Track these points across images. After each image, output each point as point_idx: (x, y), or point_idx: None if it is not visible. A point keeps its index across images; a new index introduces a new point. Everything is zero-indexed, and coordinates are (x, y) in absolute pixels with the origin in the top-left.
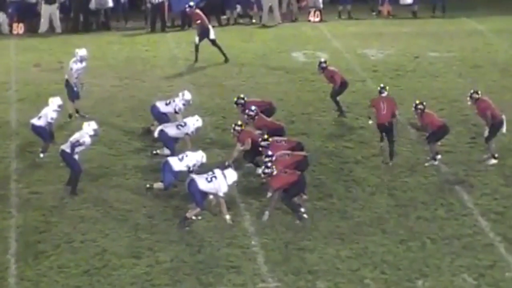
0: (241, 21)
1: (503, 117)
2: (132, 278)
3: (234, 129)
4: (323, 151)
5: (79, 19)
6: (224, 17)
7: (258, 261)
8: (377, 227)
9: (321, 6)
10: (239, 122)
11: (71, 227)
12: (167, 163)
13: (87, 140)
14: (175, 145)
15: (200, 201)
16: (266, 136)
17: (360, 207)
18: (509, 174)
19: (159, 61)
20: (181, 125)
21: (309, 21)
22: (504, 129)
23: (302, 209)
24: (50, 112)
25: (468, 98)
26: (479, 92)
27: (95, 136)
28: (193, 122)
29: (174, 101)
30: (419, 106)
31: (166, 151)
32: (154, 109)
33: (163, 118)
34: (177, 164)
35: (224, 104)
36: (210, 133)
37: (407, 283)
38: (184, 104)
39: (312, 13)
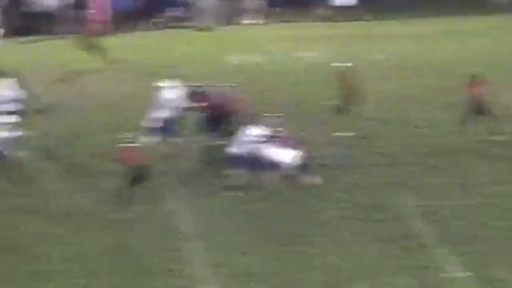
0: (177, 24)
1: None
2: None
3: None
4: None
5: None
6: (157, 20)
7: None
8: (319, 230)
9: (259, 9)
10: None
11: None
12: None
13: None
14: None
15: None
16: None
17: (306, 210)
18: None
19: None
20: None
21: (247, 24)
22: None
23: None
24: None
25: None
26: None
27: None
28: None
29: None
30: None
31: None
32: None
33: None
34: None
35: None
36: None
37: (347, 283)
38: None
39: (250, 16)
